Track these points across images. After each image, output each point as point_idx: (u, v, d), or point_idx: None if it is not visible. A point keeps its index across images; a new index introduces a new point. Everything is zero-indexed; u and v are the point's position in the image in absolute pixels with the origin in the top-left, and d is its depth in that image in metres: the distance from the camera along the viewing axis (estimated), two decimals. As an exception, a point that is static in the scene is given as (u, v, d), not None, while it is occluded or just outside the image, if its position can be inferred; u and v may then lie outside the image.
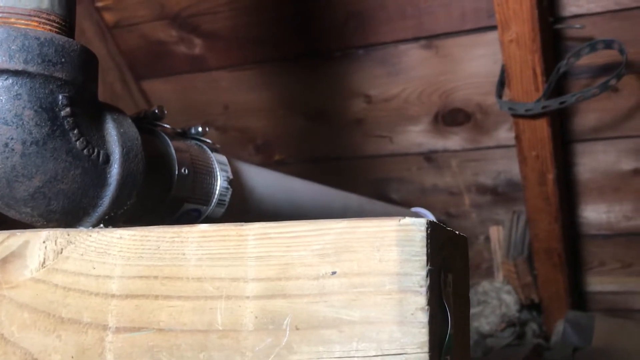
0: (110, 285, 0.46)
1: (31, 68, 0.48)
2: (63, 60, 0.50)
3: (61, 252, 0.48)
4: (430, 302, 0.39)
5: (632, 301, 1.65)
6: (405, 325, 0.38)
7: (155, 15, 1.54)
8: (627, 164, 1.46)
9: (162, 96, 1.70)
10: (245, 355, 0.41)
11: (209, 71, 1.61)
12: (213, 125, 1.69)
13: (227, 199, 0.70)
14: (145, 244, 0.46)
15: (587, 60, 1.28)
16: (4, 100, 0.47)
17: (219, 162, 0.70)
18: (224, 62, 1.58)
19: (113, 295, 0.45)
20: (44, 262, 0.48)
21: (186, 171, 0.65)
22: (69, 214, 0.52)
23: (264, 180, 0.81)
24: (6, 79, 0.48)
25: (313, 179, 0.98)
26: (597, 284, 1.66)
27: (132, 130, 0.57)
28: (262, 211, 0.79)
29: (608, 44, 1.19)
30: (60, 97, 0.50)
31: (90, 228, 0.53)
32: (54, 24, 0.52)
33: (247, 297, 0.42)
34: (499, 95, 1.28)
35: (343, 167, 1.68)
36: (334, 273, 0.40)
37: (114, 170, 0.54)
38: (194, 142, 0.70)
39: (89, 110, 0.53)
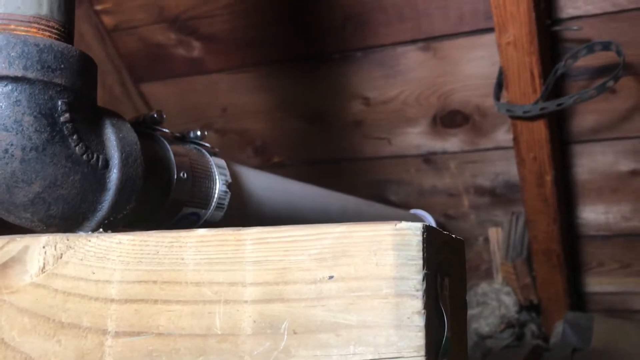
0: (109, 290, 0.46)
1: (30, 74, 0.48)
2: (62, 66, 0.50)
3: (61, 257, 0.48)
4: (427, 305, 0.39)
5: (631, 302, 1.65)
6: (401, 329, 0.39)
7: (154, 18, 1.54)
8: (625, 165, 1.47)
9: (161, 99, 1.70)
10: (244, 359, 0.41)
11: (207, 74, 1.62)
12: (212, 128, 1.70)
13: (226, 202, 0.70)
14: (144, 248, 0.46)
15: (585, 62, 1.28)
16: (3, 106, 0.48)
17: (218, 166, 0.71)
18: (222, 64, 1.59)
19: (112, 300, 0.46)
20: (43, 267, 0.48)
21: (185, 175, 0.65)
22: (69, 219, 0.53)
23: (262, 184, 0.81)
24: (6, 85, 0.48)
25: (312, 181, 0.98)
26: (596, 284, 1.66)
27: (131, 135, 0.57)
28: (261, 214, 0.79)
29: (605, 46, 1.19)
30: (59, 102, 0.50)
31: (90, 233, 0.53)
32: (53, 30, 0.52)
33: (246, 302, 0.42)
34: (497, 97, 1.28)
35: (342, 169, 1.69)
36: (331, 277, 0.41)
37: (113, 175, 0.54)
38: (192, 146, 0.71)
39: (88, 116, 0.54)
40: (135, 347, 0.44)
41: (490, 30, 1.33)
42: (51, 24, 0.52)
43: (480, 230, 1.68)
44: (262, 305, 0.42)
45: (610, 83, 1.15)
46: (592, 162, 1.49)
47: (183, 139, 0.71)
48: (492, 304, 1.57)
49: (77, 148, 0.51)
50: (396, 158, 1.61)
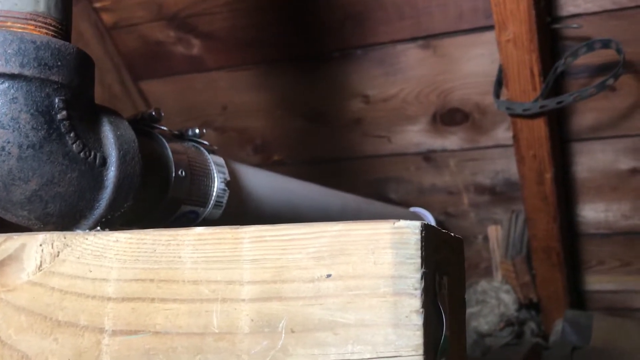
0: (106, 288, 0.46)
1: (27, 72, 0.48)
2: (59, 63, 0.50)
3: (58, 255, 0.48)
4: (425, 304, 0.39)
5: (630, 300, 1.65)
6: (400, 328, 0.39)
7: (154, 15, 1.54)
8: (625, 163, 1.47)
9: (161, 97, 1.70)
10: (241, 358, 0.41)
11: (207, 72, 1.61)
12: (211, 126, 1.69)
13: (225, 200, 0.70)
14: (142, 246, 0.46)
15: (585, 60, 1.28)
16: (0, 104, 0.47)
17: (216, 164, 0.71)
18: (222, 62, 1.59)
19: (109, 298, 0.46)
20: (40, 265, 0.48)
21: (183, 173, 0.65)
22: (66, 217, 0.52)
23: (261, 182, 0.81)
24: (2, 82, 0.48)
25: (311, 180, 0.98)
26: (596, 283, 1.66)
27: (129, 133, 0.57)
28: (260, 212, 0.79)
29: (605, 44, 1.19)
30: (56, 100, 0.50)
31: (87, 231, 0.53)
32: (50, 27, 0.52)
33: (243, 300, 0.42)
34: (497, 94, 1.28)
35: (341, 167, 1.68)
36: (329, 276, 0.41)
37: (111, 173, 0.54)
38: (191, 144, 0.71)
39: (85, 113, 0.53)
40: (133, 345, 0.44)
41: (489, 28, 1.33)
42: (48, 21, 0.52)
43: (479, 229, 1.68)
44: (259, 303, 0.42)
45: (610, 81, 1.15)
46: (591, 160, 1.48)
47: (181, 136, 0.70)
48: (492, 302, 1.57)
49: (74, 146, 0.51)
50: (396, 156, 1.61)
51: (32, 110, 0.48)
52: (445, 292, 0.43)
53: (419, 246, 0.39)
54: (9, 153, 0.48)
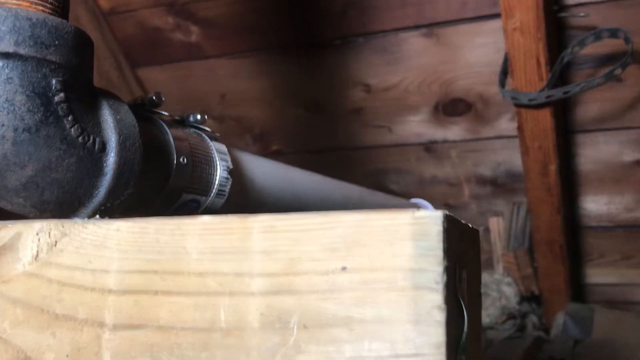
0: (107, 280, 0.43)
1: (22, 50, 0.45)
2: (56, 42, 0.47)
3: (55, 245, 0.45)
4: (447, 299, 0.37)
5: (631, 293, 1.64)
6: (420, 325, 0.36)
7: (152, 1, 1.51)
8: (629, 156, 1.45)
9: (159, 84, 1.67)
10: (251, 355, 0.39)
11: (205, 59, 1.58)
12: (210, 115, 1.67)
13: (227, 189, 0.68)
14: (144, 236, 0.43)
15: (592, 49, 1.26)
16: (-6, 84, 0.45)
17: (219, 151, 0.68)
18: (221, 50, 1.56)
19: (110, 291, 0.43)
20: (37, 255, 0.46)
21: (185, 160, 0.63)
22: (64, 204, 0.50)
23: (264, 171, 0.78)
24: (-4, 62, 0.45)
25: (311, 170, 0.96)
26: (597, 275, 1.65)
27: (129, 118, 0.55)
28: (262, 202, 0.77)
29: (613, 33, 1.17)
30: (53, 81, 0.47)
31: (86, 219, 0.50)
32: (46, 4, 0.49)
33: (252, 294, 0.40)
34: (502, 84, 1.26)
35: (341, 157, 1.66)
36: (344, 268, 0.38)
37: (111, 159, 0.51)
38: (192, 130, 0.68)
39: (84, 96, 0.51)
40: (135, 340, 0.42)
41: (494, 16, 1.31)
42: (45, -3, 0.49)
43: (480, 220, 1.66)
44: (270, 297, 0.39)
45: (618, 71, 1.13)
46: (595, 152, 1.46)
47: (182, 122, 0.68)
48: (493, 294, 1.55)
49: (72, 130, 0.48)
50: (397, 146, 1.59)
51: (28, 92, 0.46)
52: (465, 287, 0.41)
53: (440, 238, 0.37)
54: (4, 137, 0.45)
